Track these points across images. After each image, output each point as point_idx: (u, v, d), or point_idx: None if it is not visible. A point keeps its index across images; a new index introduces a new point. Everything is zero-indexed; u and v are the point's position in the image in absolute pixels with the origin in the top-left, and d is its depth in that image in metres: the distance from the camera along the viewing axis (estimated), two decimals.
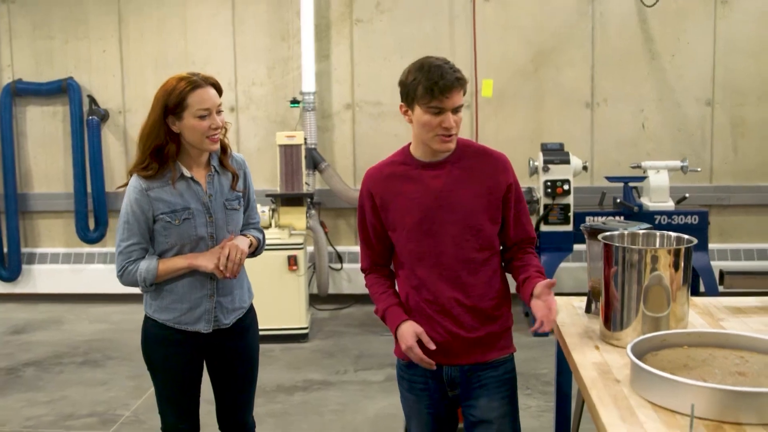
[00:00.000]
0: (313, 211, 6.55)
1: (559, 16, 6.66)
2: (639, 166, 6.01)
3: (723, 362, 2.04)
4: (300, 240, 5.93)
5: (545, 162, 5.90)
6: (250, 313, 2.99)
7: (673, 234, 2.46)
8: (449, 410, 2.59)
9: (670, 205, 5.90)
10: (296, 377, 5.18)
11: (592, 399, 1.91)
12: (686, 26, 6.57)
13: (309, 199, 6.31)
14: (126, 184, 2.76)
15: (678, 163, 5.96)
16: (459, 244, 2.44)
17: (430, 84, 2.29)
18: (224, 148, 2.82)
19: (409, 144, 2.54)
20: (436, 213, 2.43)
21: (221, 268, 2.69)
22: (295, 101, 6.70)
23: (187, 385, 2.89)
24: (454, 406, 2.59)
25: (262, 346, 5.51)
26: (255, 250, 2.96)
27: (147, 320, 2.87)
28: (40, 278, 7.17)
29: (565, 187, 5.86)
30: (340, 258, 6.91)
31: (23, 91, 7.05)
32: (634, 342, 2.07)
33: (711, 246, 6.33)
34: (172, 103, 2.61)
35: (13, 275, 7.15)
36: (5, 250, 7.15)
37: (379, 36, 6.81)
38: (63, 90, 6.97)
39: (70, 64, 7.03)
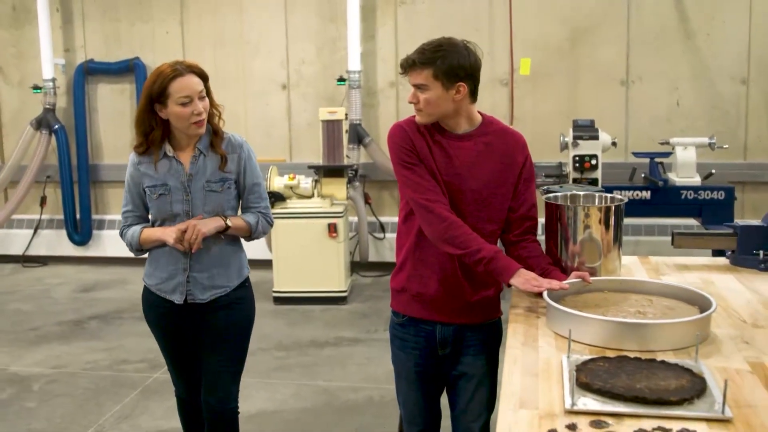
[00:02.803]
0: (357, 183, 6.95)
1: None
2: (667, 143, 6.18)
3: (633, 303, 2.35)
4: (340, 209, 6.35)
5: (575, 137, 6.11)
6: (236, 293, 3.01)
7: (609, 195, 2.76)
8: (436, 369, 2.71)
9: (696, 180, 6.05)
10: (329, 334, 5.62)
11: (509, 330, 2.25)
12: (722, 5, 6.68)
13: (353, 172, 6.70)
14: None
15: (706, 140, 6.09)
16: (470, 213, 2.54)
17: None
18: (216, 131, 2.91)
19: None
20: (457, 181, 2.54)
21: (176, 243, 2.82)
22: (341, 79, 7.10)
23: (176, 346, 3.08)
24: (440, 365, 2.70)
25: (303, 307, 6.12)
26: (250, 234, 3.00)
27: (144, 284, 3.08)
28: (109, 242, 7.79)
29: (593, 162, 6.06)
30: (383, 228, 7.31)
31: (94, 70, 7.65)
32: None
33: (742, 222, 6.46)
34: (155, 92, 2.74)
35: (84, 239, 7.81)
36: (78, 216, 7.81)
37: (422, 17, 7.13)
38: (130, 69, 7.55)
39: (136, 44, 7.60)
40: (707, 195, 6.04)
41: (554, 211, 2.63)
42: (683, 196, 6.02)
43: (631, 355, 2.00)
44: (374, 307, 6.27)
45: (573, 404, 1.71)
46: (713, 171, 6.11)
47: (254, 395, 4.53)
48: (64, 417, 4.31)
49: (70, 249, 7.87)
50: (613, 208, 2.60)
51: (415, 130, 2.58)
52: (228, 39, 7.46)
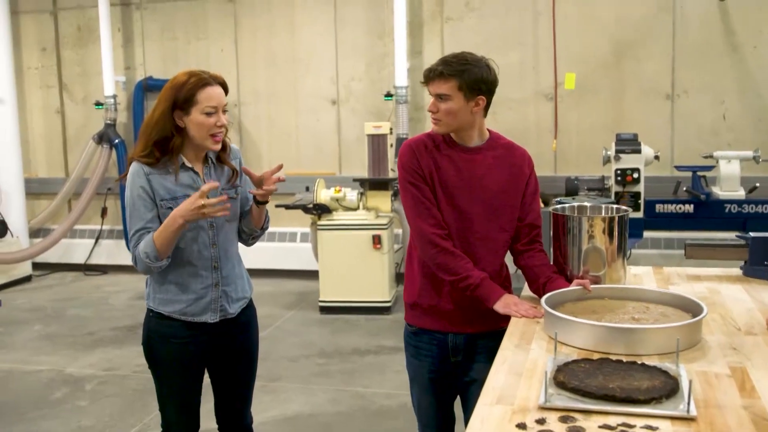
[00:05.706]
0: None
1: (640, 9, 6.89)
2: (711, 156, 6.17)
3: (629, 310, 2.42)
4: (385, 221, 6.50)
5: (617, 151, 6.15)
6: (251, 304, 2.99)
7: (616, 206, 2.84)
8: (448, 375, 2.82)
9: (740, 194, 6.02)
10: (372, 343, 5.77)
11: (506, 333, 2.36)
12: None
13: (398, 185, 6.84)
14: (126, 174, 2.72)
15: (750, 154, 6.06)
16: (483, 223, 2.67)
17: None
18: (224, 146, 2.79)
19: None
20: (468, 192, 2.65)
21: (204, 210, 2.58)
22: (389, 95, 7.26)
23: (192, 378, 2.87)
24: (453, 372, 2.81)
25: (347, 316, 6.27)
26: (263, 223, 2.93)
27: (151, 314, 2.84)
28: None
29: (635, 175, 6.08)
30: None
31: (153, 87, 7.98)
32: (559, 291, 2.50)
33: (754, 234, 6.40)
34: (181, 98, 2.62)
35: None
36: None
37: (468, 33, 7.25)
38: None
39: (192, 62, 7.88)
40: (751, 208, 6.01)
41: (560, 221, 2.73)
42: (727, 210, 5.99)
43: (616, 358, 2.09)
44: None
45: (546, 401, 1.81)
46: (757, 184, 6.07)
47: (293, 399, 4.70)
48: (112, 416, 4.55)
49: (128, 258, 8.13)
50: (617, 218, 2.68)
51: (422, 148, 2.69)
52: (280, 56, 7.71)
